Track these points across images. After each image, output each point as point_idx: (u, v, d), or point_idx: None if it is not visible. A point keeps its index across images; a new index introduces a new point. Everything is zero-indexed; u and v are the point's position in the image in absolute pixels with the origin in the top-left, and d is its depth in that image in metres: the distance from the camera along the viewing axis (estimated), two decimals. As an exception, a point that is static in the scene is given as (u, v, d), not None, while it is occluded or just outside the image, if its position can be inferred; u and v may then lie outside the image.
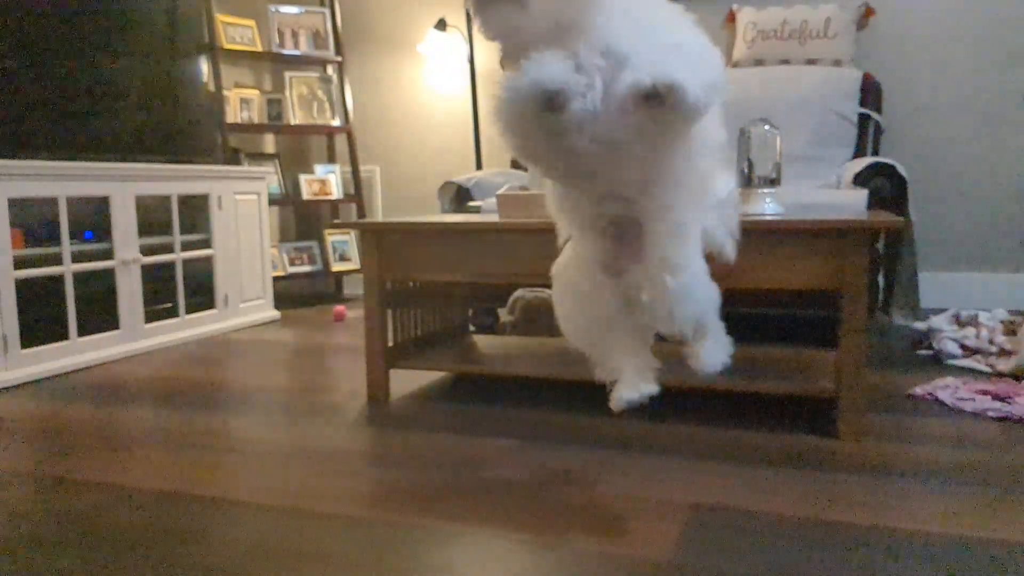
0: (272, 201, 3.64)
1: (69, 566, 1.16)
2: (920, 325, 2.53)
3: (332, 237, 3.96)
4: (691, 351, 1.28)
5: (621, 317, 1.27)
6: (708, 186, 1.26)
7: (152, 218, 2.81)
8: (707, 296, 1.25)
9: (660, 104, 0.99)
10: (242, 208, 3.22)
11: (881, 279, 2.61)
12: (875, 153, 3.06)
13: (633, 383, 1.28)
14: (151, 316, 2.77)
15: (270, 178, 3.72)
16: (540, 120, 1.03)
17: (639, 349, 1.30)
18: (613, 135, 1.07)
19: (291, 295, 4.02)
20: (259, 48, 3.77)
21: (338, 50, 3.94)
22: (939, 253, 3.23)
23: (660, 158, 1.12)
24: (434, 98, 3.98)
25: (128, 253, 2.67)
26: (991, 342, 2.28)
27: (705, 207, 1.27)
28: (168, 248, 2.87)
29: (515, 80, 1.02)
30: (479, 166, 3.76)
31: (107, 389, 2.22)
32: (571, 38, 1.02)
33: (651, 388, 1.28)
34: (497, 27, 1.04)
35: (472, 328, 2.60)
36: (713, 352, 1.27)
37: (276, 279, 3.53)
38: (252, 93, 3.84)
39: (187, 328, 2.92)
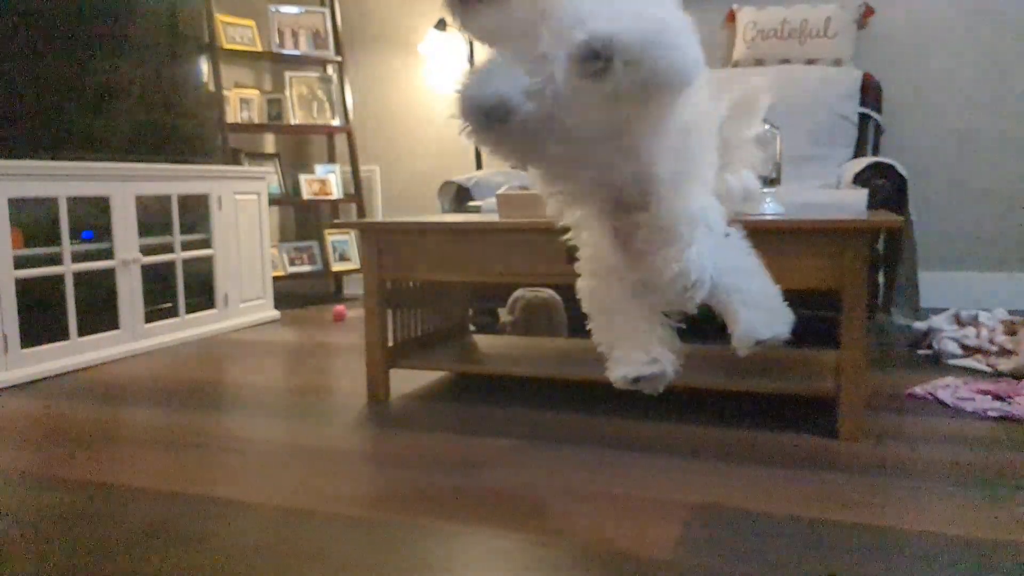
0: (272, 201, 3.64)
1: (69, 566, 1.16)
2: (920, 325, 2.53)
3: (332, 237, 3.96)
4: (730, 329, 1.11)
5: (637, 296, 1.15)
6: (711, 135, 1.12)
7: (152, 218, 2.81)
8: (726, 255, 1.09)
9: (605, 68, 0.86)
10: (242, 208, 3.22)
11: (881, 279, 2.61)
12: (875, 153, 3.06)
13: (630, 359, 1.16)
14: (151, 316, 2.77)
15: (270, 178, 3.72)
16: (489, 133, 0.97)
17: (652, 329, 1.17)
18: (582, 130, 0.99)
19: (291, 295, 4.02)
20: (259, 48, 3.77)
21: (338, 50, 3.94)
22: (939, 253, 3.23)
23: (645, 147, 1.02)
24: (434, 98, 3.98)
25: (128, 253, 2.67)
26: (991, 341, 2.28)
27: (711, 157, 1.13)
28: (168, 248, 2.87)
29: (458, 93, 0.96)
30: (479, 166, 3.76)
31: (107, 389, 2.22)
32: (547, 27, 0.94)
33: (649, 368, 1.14)
34: (479, 27, 1.00)
35: (472, 328, 2.60)
36: (751, 320, 1.09)
37: (276, 279, 3.53)
38: (252, 93, 3.84)
39: (187, 328, 2.92)
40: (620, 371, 1.17)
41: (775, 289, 1.14)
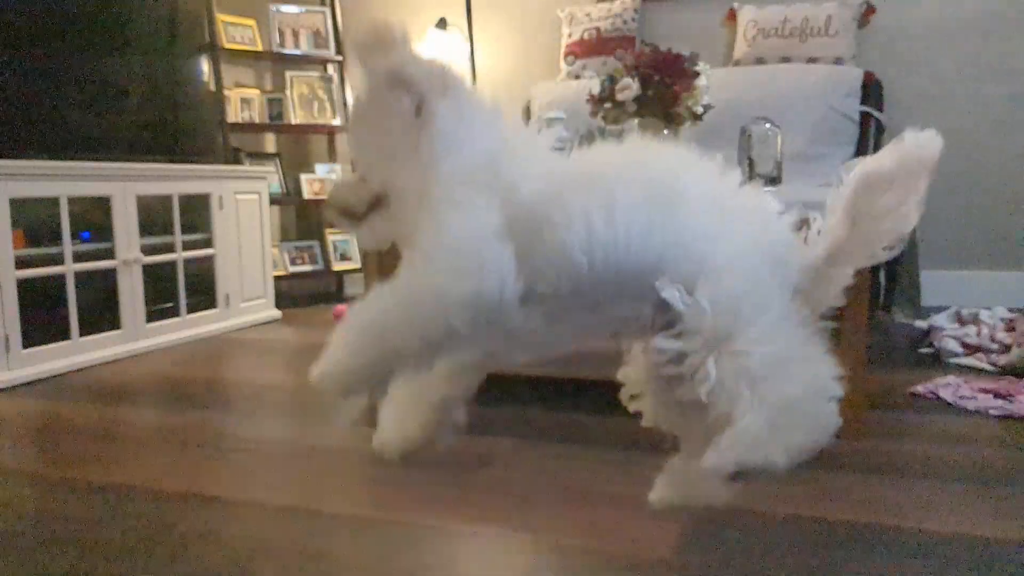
0: (273, 200, 3.64)
1: (70, 566, 1.16)
2: (921, 323, 2.53)
3: (333, 236, 3.96)
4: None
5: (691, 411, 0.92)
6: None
7: (153, 218, 2.81)
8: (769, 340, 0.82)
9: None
10: (243, 208, 3.22)
11: (882, 277, 2.61)
12: (876, 151, 3.05)
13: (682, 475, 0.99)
14: (152, 316, 2.77)
15: (271, 177, 3.72)
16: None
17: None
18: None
19: (292, 294, 4.02)
20: (260, 47, 3.77)
21: (338, 49, 3.93)
22: (940, 251, 3.22)
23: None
24: (435, 97, 3.97)
25: (129, 253, 2.67)
26: (992, 339, 2.27)
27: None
28: (169, 248, 2.87)
29: None
30: (480, 165, 3.75)
31: (108, 389, 2.22)
32: None
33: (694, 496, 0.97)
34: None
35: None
36: (738, 434, 0.77)
37: (277, 278, 3.53)
38: (253, 92, 3.84)
39: (188, 328, 2.92)
40: (657, 493, 1.03)
41: (823, 383, 0.81)
